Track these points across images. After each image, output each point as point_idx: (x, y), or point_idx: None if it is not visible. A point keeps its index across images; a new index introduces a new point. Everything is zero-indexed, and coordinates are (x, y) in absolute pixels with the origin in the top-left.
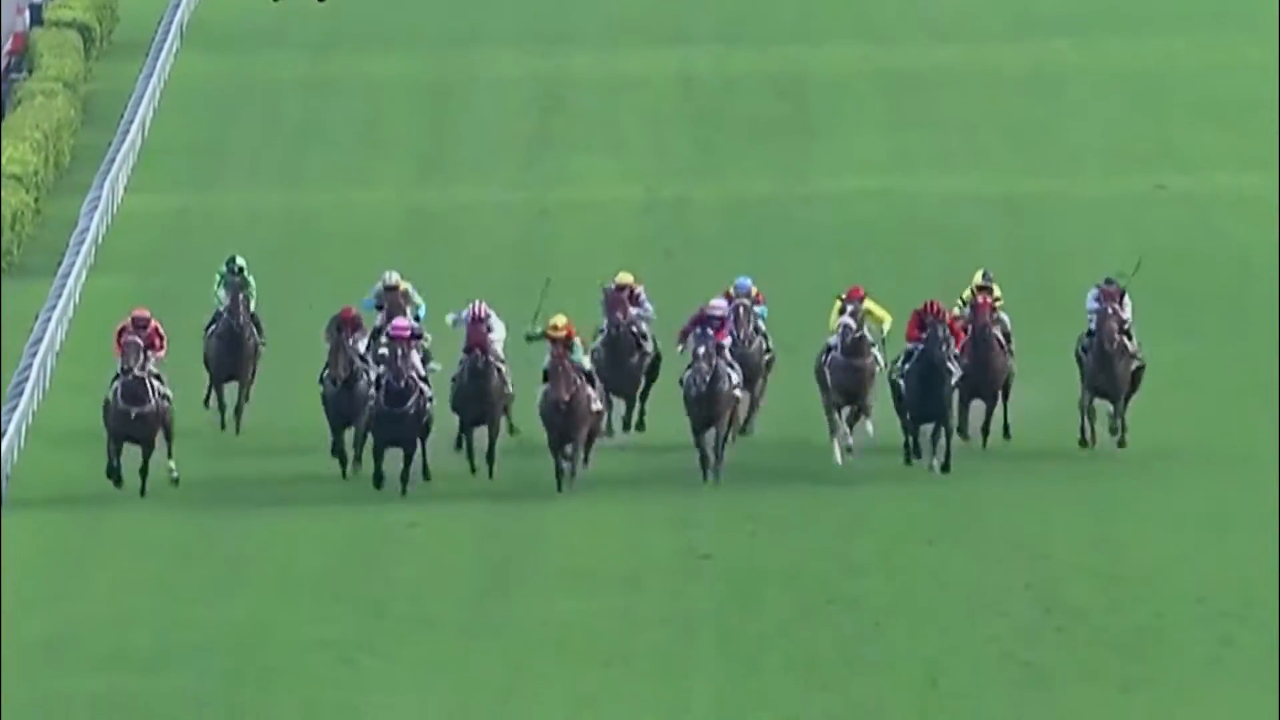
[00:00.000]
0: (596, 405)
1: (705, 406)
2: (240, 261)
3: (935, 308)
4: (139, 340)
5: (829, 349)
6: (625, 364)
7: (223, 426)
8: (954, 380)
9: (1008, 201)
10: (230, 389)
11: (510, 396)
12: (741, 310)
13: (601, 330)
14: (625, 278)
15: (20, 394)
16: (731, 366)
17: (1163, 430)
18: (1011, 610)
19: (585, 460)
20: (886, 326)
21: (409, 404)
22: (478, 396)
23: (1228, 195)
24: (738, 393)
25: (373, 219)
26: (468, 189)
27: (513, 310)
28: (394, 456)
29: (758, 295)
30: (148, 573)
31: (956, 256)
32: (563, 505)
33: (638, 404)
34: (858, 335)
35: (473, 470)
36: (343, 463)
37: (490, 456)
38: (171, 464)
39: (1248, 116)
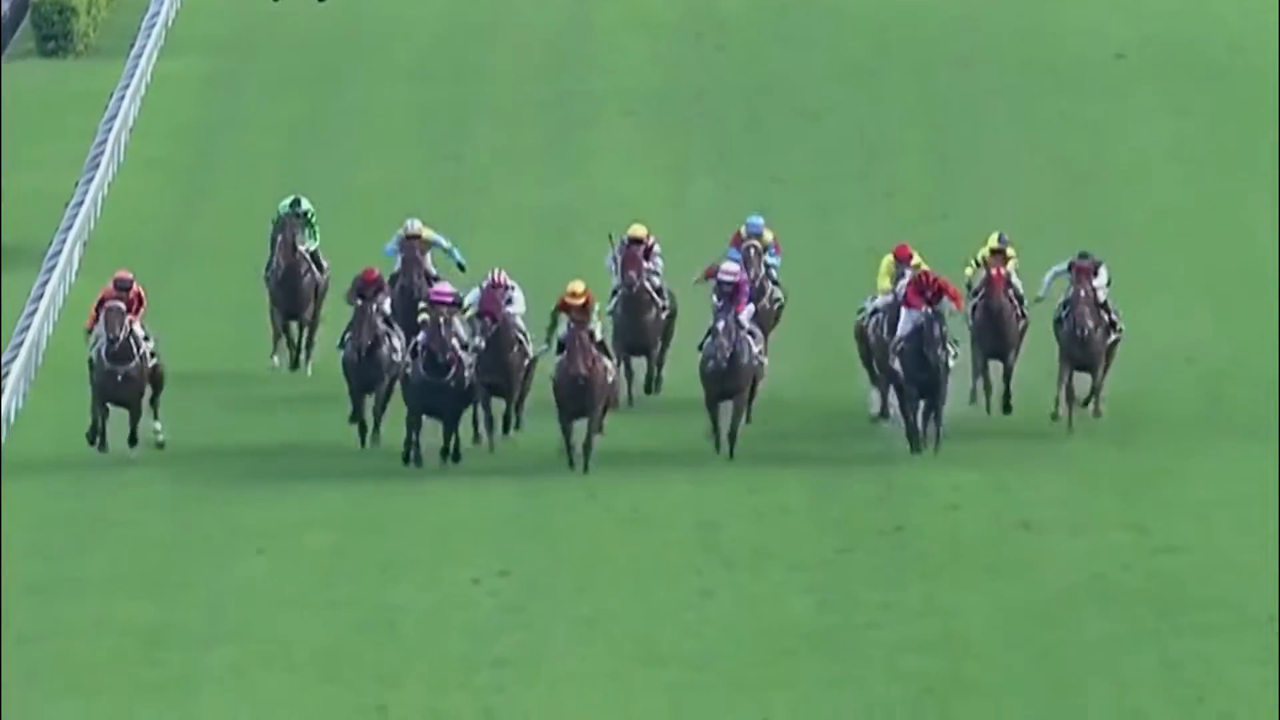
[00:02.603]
0: (611, 376)
1: (724, 381)
2: (306, 204)
3: (932, 279)
4: (121, 305)
5: (874, 312)
6: (642, 322)
7: (294, 365)
8: (952, 359)
9: None
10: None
11: (530, 367)
12: (752, 252)
13: (616, 289)
14: (638, 230)
15: (97, 166)
16: (752, 335)
17: (1158, 199)
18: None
19: (599, 429)
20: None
21: (450, 375)
22: (492, 365)
23: None
24: (758, 363)
25: (420, 12)
26: None
27: (551, 95)
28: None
29: (774, 244)
30: (200, 393)
31: (967, 39)
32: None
33: (655, 365)
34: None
35: (491, 449)
36: (361, 431)
37: (505, 426)
38: (157, 425)
39: None
